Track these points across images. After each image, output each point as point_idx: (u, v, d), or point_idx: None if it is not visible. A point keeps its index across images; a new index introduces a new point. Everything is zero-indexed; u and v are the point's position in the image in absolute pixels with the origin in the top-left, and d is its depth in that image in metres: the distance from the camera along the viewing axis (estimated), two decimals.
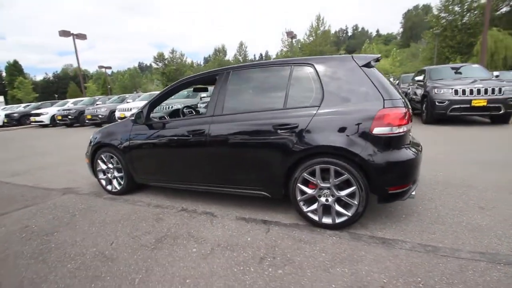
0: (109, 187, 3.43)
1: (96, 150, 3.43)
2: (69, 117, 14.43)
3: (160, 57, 49.86)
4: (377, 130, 2.05)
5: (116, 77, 65.41)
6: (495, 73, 8.43)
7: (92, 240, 2.32)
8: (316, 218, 2.29)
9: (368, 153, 2.05)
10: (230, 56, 56.32)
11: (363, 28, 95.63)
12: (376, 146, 2.05)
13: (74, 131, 12.72)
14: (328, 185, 2.21)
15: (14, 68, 58.12)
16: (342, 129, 2.11)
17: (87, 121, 13.63)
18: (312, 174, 2.24)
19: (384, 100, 2.08)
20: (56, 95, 56.49)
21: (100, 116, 13.11)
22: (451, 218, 2.40)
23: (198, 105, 11.03)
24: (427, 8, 64.15)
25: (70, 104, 16.85)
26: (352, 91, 2.18)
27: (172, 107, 10.72)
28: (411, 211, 2.55)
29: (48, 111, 15.91)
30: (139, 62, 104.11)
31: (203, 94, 12.26)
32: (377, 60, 2.36)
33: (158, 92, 3.19)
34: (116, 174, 3.33)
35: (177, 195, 3.24)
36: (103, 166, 3.40)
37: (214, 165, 2.64)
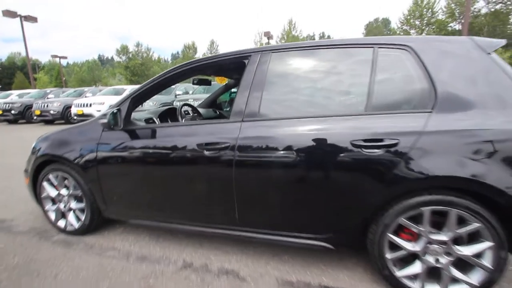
0: (61, 223, 2.26)
1: (40, 167, 2.25)
2: (12, 111, 12.16)
3: (123, 50, 46.26)
4: None
5: (72, 69, 59.60)
6: None
7: None
8: (416, 287, 1.45)
9: None
10: (200, 54, 53.97)
11: (329, 36, 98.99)
12: None
13: (19, 129, 10.62)
14: (442, 237, 1.38)
15: None
16: (475, 151, 1.30)
17: (35, 117, 11.52)
18: (415, 218, 1.41)
19: None
20: (0, 86, 49.60)
21: (51, 111, 11.12)
22: None
23: (174, 103, 9.75)
24: (386, 21, 68.34)
25: (14, 96, 14.33)
26: (482, 91, 1.38)
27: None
28: None
29: None
30: (99, 55, 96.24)
31: (178, 92, 10.97)
32: None
33: (138, 86, 2.01)
34: (73, 204, 2.18)
35: (169, 237, 2.20)
36: (52, 192, 2.23)
37: (244, 198, 1.67)
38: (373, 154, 1.39)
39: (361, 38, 1.62)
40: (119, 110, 1.87)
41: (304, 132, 1.53)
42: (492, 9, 30.76)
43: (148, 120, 2.30)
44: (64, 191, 2.19)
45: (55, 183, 2.20)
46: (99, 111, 10.08)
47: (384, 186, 1.40)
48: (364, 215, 1.48)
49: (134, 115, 2.19)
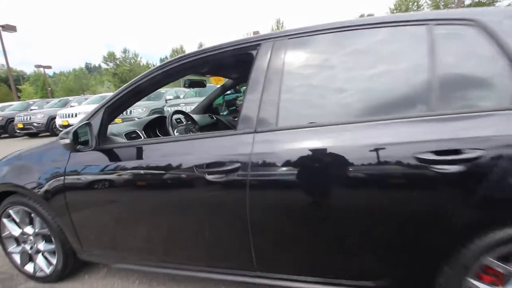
0: (29, 268, 1.80)
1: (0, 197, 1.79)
2: None
3: (110, 57, 45.45)
4: None
5: (58, 78, 58.29)
6: None
7: None
8: None
9: None
10: None
11: None
12: None
13: (0, 144, 9.97)
14: None
15: None
16: None
17: (18, 131, 10.90)
18: (503, 257, 1.02)
19: None
20: None
21: (35, 124, 10.52)
22: None
23: (165, 109, 9.26)
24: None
25: None
26: None
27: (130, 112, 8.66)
28: None
29: None
30: (86, 63, 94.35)
31: (169, 96, 10.47)
32: None
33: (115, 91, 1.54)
34: (41, 246, 1.73)
35: (163, 279, 1.76)
36: (15, 231, 1.77)
37: (262, 235, 1.26)
38: (447, 172, 0.99)
39: (410, 13, 1.22)
40: (88, 125, 1.43)
41: (341, 145, 1.13)
42: (476, 0, 31.01)
43: (131, 134, 1.86)
44: (29, 229, 1.74)
45: (17, 219, 1.75)
46: None
47: (463, 215, 1.00)
48: (434, 254, 1.08)
49: (112, 128, 1.75)
